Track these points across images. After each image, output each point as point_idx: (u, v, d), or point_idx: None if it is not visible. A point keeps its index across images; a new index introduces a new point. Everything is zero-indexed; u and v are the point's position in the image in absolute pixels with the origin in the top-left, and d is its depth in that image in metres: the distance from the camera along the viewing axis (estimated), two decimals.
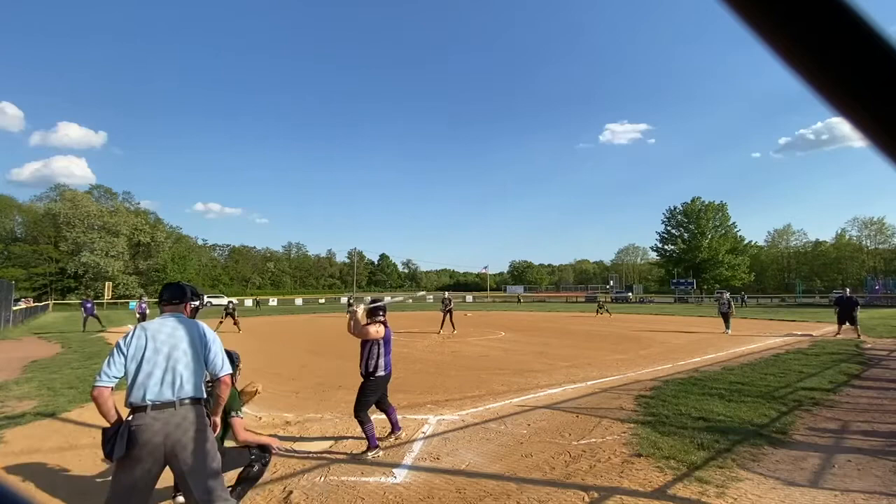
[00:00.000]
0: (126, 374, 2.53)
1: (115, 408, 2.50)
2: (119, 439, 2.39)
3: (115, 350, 2.59)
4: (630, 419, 5.44)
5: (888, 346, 11.78)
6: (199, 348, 2.70)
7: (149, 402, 2.49)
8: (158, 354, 2.59)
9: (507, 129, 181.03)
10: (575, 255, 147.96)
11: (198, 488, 2.49)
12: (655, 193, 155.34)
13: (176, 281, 3.07)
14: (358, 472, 4.02)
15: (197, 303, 3.08)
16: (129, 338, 2.62)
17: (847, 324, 13.89)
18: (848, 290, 16.36)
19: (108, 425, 2.46)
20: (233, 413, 3.20)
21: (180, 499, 3.13)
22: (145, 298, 20.41)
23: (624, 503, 3.41)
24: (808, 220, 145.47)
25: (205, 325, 2.84)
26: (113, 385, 2.51)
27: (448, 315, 16.66)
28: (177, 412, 2.52)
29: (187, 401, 2.56)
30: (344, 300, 62.56)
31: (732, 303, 16.66)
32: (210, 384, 2.83)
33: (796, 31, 0.29)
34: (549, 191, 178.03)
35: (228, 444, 3.36)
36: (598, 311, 27.03)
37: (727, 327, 15.62)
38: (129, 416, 2.50)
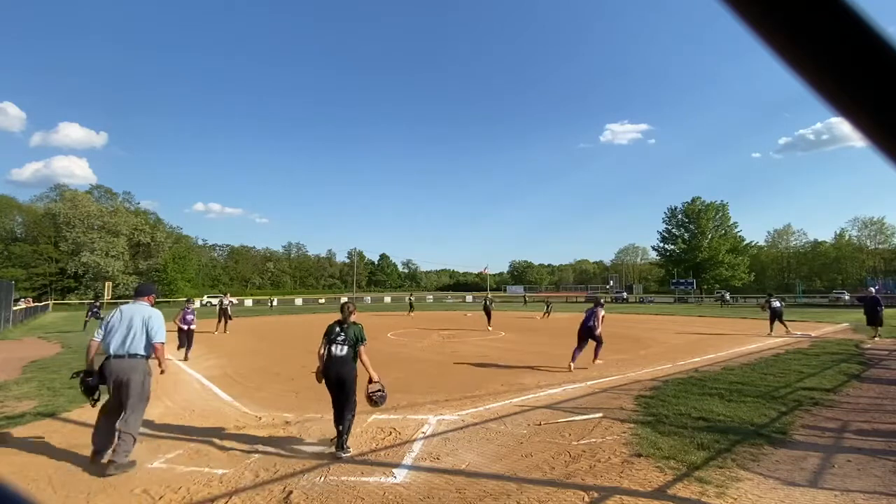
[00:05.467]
0: (104, 335, 4.32)
1: (93, 355, 4.39)
2: (96, 376, 4.30)
3: (102, 320, 4.43)
4: (630, 419, 5.44)
5: (888, 346, 11.77)
6: (147, 323, 4.35)
7: (111, 354, 4.25)
8: (122, 325, 4.31)
9: (507, 129, 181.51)
10: (575, 255, 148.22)
11: (126, 411, 4.16)
12: (655, 193, 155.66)
13: (149, 282, 4.94)
14: (358, 472, 4.02)
15: (154, 297, 4.81)
16: (110, 314, 4.43)
17: (874, 325, 13.27)
18: (873, 288, 14.75)
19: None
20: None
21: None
22: (193, 304, 12.44)
23: (624, 503, 3.41)
24: (808, 220, 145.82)
25: (156, 311, 4.51)
26: (98, 340, 4.37)
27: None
28: (125, 361, 4.22)
29: (133, 355, 4.25)
30: (345, 300, 62.43)
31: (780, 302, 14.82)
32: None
33: (796, 31, 0.29)
34: (549, 191, 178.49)
35: None
36: (545, 313, 25.56)
37: (772, 329, 14.49)
38: (103, 361, 4.27)
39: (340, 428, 4.45)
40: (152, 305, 4.62)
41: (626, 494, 3.51)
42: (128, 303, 4.55)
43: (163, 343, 4.42)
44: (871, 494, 3.50)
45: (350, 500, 3.52)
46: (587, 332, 9.39)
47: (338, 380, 4.52)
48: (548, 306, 26.60)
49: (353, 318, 4.78)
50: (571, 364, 8.87)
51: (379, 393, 4.73)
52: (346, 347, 4.58)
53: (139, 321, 4.33)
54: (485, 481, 3.81)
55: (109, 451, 4.09)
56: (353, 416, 4.57)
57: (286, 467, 4.14)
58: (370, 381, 4.71)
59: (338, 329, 4.68)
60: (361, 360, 4.67)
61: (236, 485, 3.78)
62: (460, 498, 3.53)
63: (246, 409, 6.24)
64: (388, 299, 63.94)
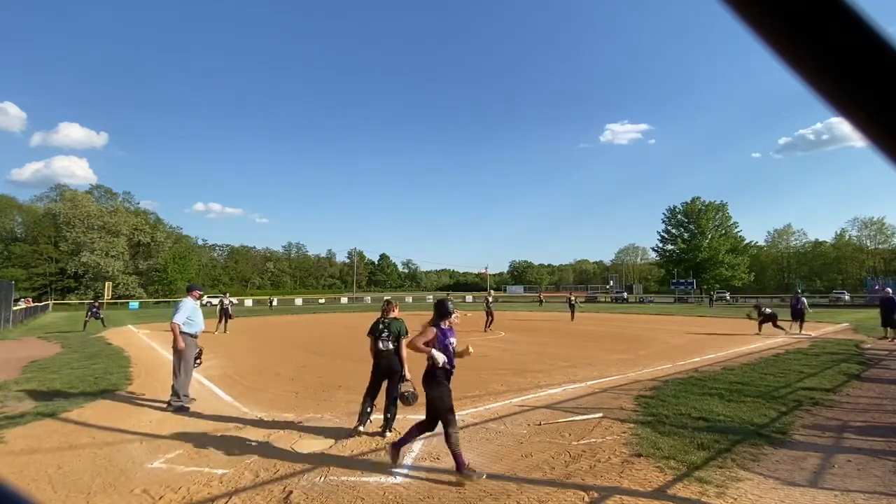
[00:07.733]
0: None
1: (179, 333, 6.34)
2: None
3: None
4: (630, 419, 5.44)
5: (888, 346, 11.77)
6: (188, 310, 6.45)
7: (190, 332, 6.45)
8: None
9: (507, 129, 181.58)
10: (575, 255, 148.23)
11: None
12: (656, 193, 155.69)
13: (195, 282, 7.29)
14: (358, 472, 4.02)
15: (200, 293, 7.03)
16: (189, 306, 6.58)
17: (889, 326, 12.96)
18: (889, 289, 14.31)
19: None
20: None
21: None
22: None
23: (624, 503, 3.41)
24: (808, 220, 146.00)
25: (184, 302, 6.51)
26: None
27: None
28: (194, 338, 6.49)
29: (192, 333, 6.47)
30: (345, 300, 62.59)
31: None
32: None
33: (796, 31, 0.29)
34: (549, 191, 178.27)
35: None
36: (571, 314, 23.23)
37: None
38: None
39: (389, 415, 4.99)
40: (197, 299, 6.70)
41: (626, 494, 3.51)
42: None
43: (175, 323, 6.23)
44: (870, 494, 3.50)
45: (350, 500, 3.52)
46: (798, 313, 14.69)
47: (388, 371, 5.06)
48: (572, 307, 23.57)
49: (392, 314, 5.20)
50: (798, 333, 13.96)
51: (409, 392, 4.89)
52: (389, 342, 5.09)
53: (174, 308, 6.48)
54: (485, 481, 3.81)
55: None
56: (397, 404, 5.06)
57: (286, 467, 4.14)
58: (402, 378, 4.95)
59: (381, 326, 5.13)
60: (399, 354, 5.03)
61: (236, 485, 3.78)
62: (460, 498, 3.53)
63: (246, 409, 6.24)
64: None
